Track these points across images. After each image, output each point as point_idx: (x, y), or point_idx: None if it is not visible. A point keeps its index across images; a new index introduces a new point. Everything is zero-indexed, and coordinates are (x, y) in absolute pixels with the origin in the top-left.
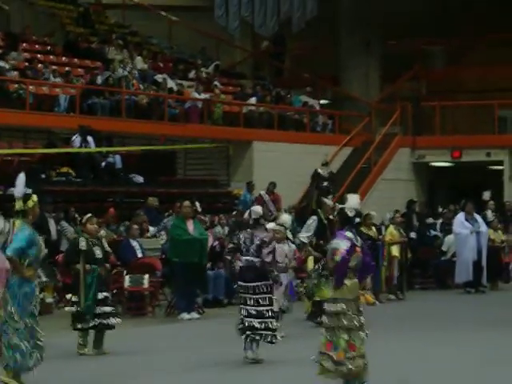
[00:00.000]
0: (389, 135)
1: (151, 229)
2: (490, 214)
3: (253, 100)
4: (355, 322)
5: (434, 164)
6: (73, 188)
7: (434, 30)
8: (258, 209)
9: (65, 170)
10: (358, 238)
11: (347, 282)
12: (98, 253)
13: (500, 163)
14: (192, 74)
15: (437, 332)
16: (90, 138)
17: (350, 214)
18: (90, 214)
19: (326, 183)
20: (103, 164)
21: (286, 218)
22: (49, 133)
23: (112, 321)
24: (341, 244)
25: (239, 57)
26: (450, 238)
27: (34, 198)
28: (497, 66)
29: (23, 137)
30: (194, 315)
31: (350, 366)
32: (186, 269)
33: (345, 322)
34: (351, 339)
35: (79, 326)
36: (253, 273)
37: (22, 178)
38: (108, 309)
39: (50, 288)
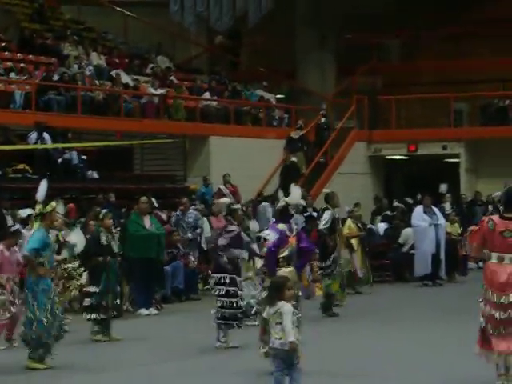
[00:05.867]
0: (345, 129)
1: None
2: (448, 206)
3: (209, 95)
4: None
5: (390, 157)
6: (30, 185)
7: (390, 24)
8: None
9: (21, 166)
10: (294, 226)
11: (283, 270)
12: (115, 247)
13: (456, 156)
14: (148, 69)
15: (397, 323)
16: (46, 135)
17: (292, 211)
18: (106, 210)
19: (299, 144)
20: (60, 160)
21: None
22: (5, 129)
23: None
24: (270, 236)
25: (195, 52)
26: (406, 230)
27: (53, 203)
28: (452, 59)
29: None
30: (153, 311)
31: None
32: (143, 264)
33: None
34: None
35: (96, 316)
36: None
37: (44, 184)
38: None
39: None
